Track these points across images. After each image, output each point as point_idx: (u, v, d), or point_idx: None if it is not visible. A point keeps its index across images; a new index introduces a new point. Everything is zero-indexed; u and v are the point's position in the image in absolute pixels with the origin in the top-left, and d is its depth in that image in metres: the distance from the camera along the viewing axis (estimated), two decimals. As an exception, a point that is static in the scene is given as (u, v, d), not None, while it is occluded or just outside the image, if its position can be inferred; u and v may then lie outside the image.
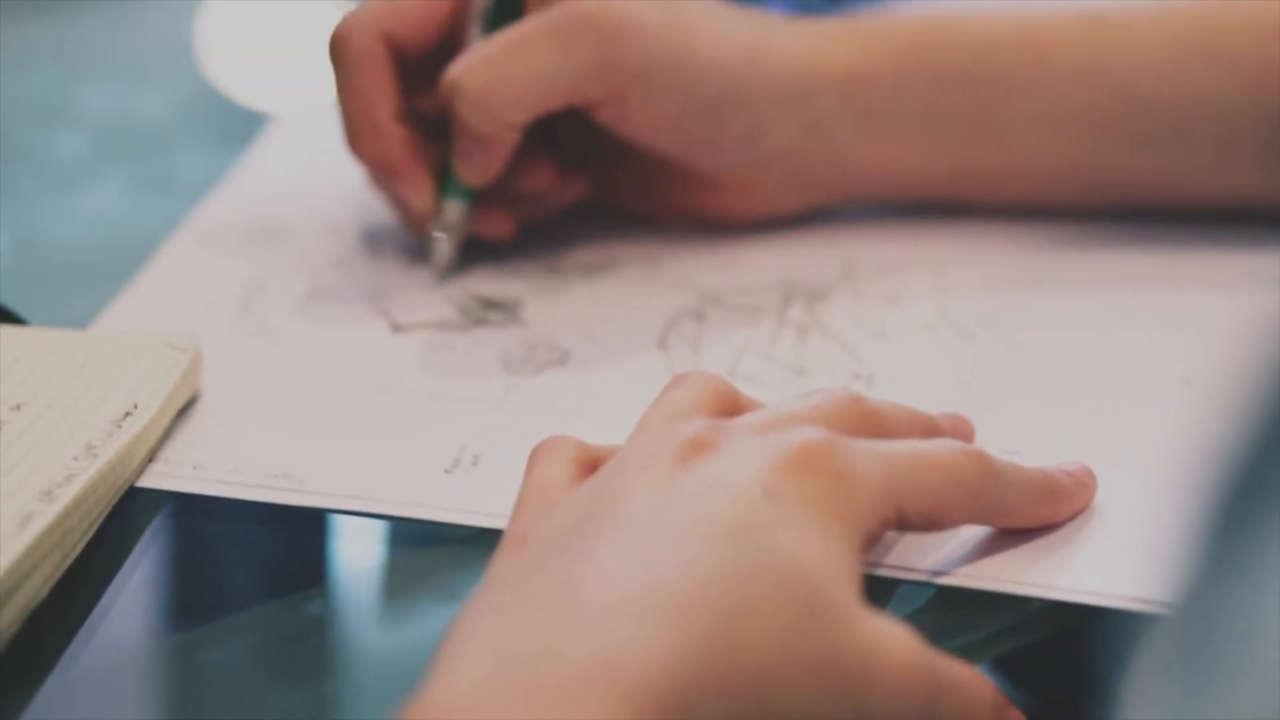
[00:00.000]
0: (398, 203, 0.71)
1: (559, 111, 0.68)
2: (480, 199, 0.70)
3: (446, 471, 0.60)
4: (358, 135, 0.70)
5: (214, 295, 0.70)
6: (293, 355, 0.66)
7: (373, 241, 0.73)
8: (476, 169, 0.68)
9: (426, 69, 0.70)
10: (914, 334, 0.67)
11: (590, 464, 0.54)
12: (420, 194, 0.70)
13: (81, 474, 0.57)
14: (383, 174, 0.70)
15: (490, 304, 0.69)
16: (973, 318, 0.68)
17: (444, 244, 0.70)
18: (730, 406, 0.55)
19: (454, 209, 0.70)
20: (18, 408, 0.60)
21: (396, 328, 0.68)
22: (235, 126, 0.86)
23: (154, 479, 0.60)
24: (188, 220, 0.74)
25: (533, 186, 0.71)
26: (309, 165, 0.78)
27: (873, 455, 0.51)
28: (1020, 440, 0.60)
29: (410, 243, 0.73)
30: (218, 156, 0.82)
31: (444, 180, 0.70)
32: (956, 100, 0.70)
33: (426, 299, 0.70)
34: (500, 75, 0.66)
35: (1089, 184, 0.72)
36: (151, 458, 0.61)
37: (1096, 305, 0.68)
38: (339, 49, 0.70)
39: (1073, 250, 0.71)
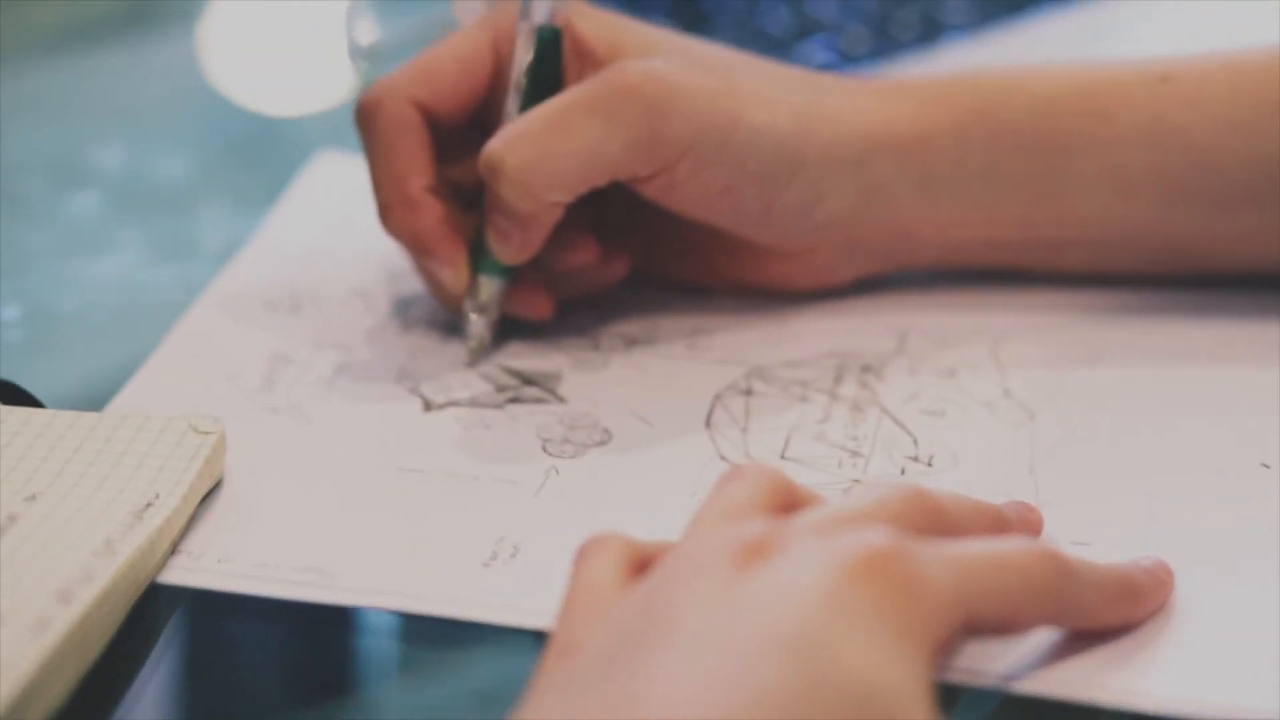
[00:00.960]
0: (430, 279, 0.67)
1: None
2: (517, 276, 0.67)
3: (485, 564, 0.57)
4: (390, 208, 0.66)
5: (237, 369, 0.67)
6: (320, 435, 0.63)
7: (402, 309, 0.70)
8: (514, 249, 0.65)
9: (459, 137, 0.67)
10: (974, 412, 0.64)
11: (640, 563, 0.51)
12: (454, 272, 0.66)
13: (100, 573, 0.54)
14: (416, 250, 0.67)
15: (526, 379, 0.66)
16: (1034, 394, 0.65)
17: (478, 325, 0.67)
18: (787, 502, 0.52)
19: (489, 287, 0.66)
20: (32, 498, 0.57)
21: (428, 405, 0.65)
22: (257, 185, 0.83)
23: (176, 573, 0.57)
24: (209, 288, 0.71)
25: (573, 265, 0.68)
26: (334, 226, 0.75)
27: (942, 559, 0.48)
28: (1090, 531, 0.57)
29: (441, 312, 0.70)
30: (239, 217, 0.79)
31: (478, 256, 0.66)
32: (1017, 163, 0.67)
33: (459, 374, 0.66)
34: (543, 153, 0.63)
35: (1155, 250, 0.68)
36: (173, 549, 0.58)
37: (1166, 380, 0.65)
38: (370, 116, 0.66)
39: (1138, 319, 0.68)
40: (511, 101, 0.66)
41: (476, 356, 0.67)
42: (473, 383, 0.66)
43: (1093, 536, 0.57)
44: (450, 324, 0.69)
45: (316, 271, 0.72)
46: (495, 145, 0.63)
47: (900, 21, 0.94)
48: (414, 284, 0.71)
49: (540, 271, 0.68)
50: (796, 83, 0.67)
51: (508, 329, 0.68)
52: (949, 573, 0.48)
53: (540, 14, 0.65)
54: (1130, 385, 0.65)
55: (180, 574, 0.57)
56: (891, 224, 0.68)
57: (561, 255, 0.67)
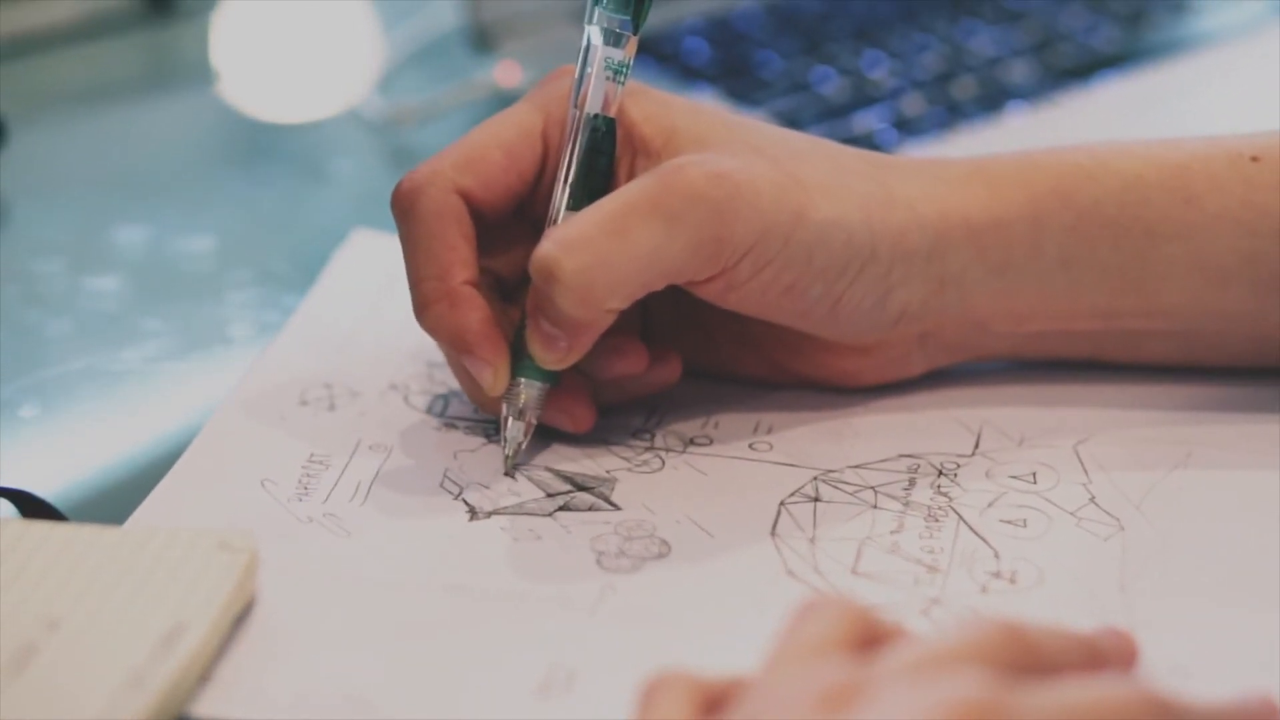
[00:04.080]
0: (467, 379, 0.63)
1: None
2: (559, 380, 0.63)
3: (536, 693, 0.53)
4: (428, 304, 0.62)
5: (269, 473, 0.63)
6: (359, 549, 0.59)
7: (442, 405, 0.66)
8: (560, 356, 0.61)
9: (502, 225, 0.63)
10: (1059, 522, 0.60)
11: (710, 702, 0.48)
12: (495, 374, 0.62)
13: (128, 709, 0.51)
14: (456, 348, 0.62)
15: (578, 484, 0.62)
16: (1123, 500, 0.61)
17: (515, 430, 0.62)
18: (868, 636, 0.48)
19: (529, 391, 0.62)
20: (54, 625, 0.54)
21: (474, 513, 0.61)
22: (287, 267, 0.80)
23: (207, 704, 0.53)
24: (239, 383, 0.67)
25: (621, 373, 0.64)
26: (369, 314, 0.72)
27: (1041, 711, 0.44)
28: (1189, 653, 0.54)
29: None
30: (269, 304, 0.76)
31: (519, 357, 0.62)
32: (1100, 250, 0.63)
33: (505, 479, 0.63)
34: (600, 259, 0.59)
35: (1245, 340, 0.64)
36: (203, 677, 0.54)
37: (1265, 482, 0.61)
38: (410, 203, 0.62)
39: (1231, 413, 0.64)
40: (560, 194, 0.62)
41: (513, 463, 0.63)
42: (520, 488, 0.62)
43: (1193, 663, 0.53)
44: (495, 422, 0.65)
45: (352, 364, 0.68)
46: (549, 249, 0.59)
47: (961, 89, 0.91)
48: (454, 377, 0.67)
49: (582, 377, 0.64)
50: (863, 168, 0.63)
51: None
52: None
53: (595, 102, 0.62)
54: (1226, 488, 0.61)
55: (211, 705, 0.53)
56: (966, 316, 0.64)
57: (608, 363, 0.63)
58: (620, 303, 0.60)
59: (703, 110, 0.63)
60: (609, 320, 0.60)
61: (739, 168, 0.60)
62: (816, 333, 0.63)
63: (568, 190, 0.62)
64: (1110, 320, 0.64)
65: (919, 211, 0.62)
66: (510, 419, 0.62)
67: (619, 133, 0.62)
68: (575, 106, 0.62)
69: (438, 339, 0.63)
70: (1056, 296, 0.64)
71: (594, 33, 0.62)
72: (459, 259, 0.62)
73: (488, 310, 0.62)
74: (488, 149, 0.63)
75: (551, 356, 0.61)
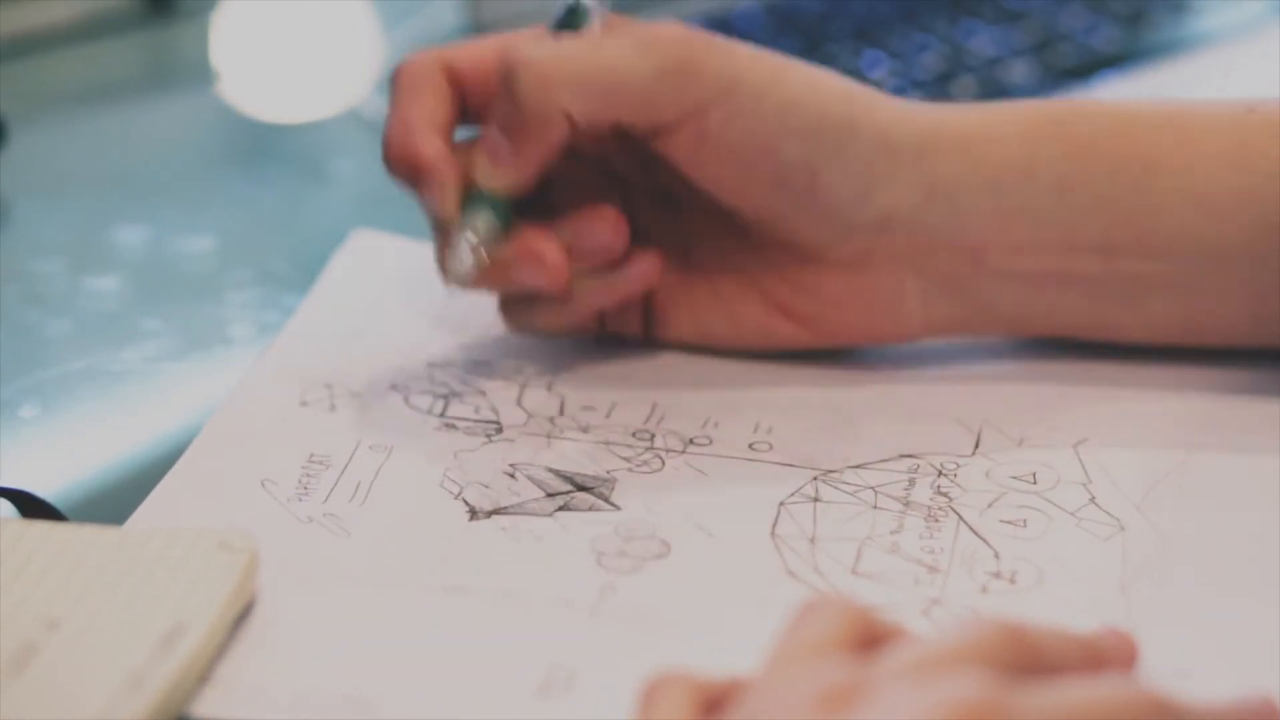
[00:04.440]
0: (426, 210, 0.64)
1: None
2: (510, 222, 0.63)
3: (536, 693, 0.53)
4: (389, 143, 0.63)
5: (270, 473, 0.63)
6: (359, 549, 0.59)
7: (443, 405, 0.66)
8: (504, 171, 0.62)
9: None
10: (1059, 522, 0.60)
11: (710, 702, 0.48)
12: (445, 194, 0.62)
13: (127, 710, 0.51)
14: (410, 178, 0.63)
15: (578, 484, 0.62)
16: (1123, 500, 0.61)
17: (465, 248, 0.62)
18: (869, 636, 0.48)
19: (483, 218, 0.63)
20: (54, 625, 0.54)
21: (474, 513, 0.61)
22: (287, 267, 0.80)
23: (207, 704, 0.53)
24: (239, 383, 0.67)
25: (600, 242, 0.64)
26: (370, 314, 0.72)
27: (1040, 712, 0.44)
28: (1189, 654, 0.54)
29: (485, 408, 0.66)
30: (269, 304, 0.76)
31: (471, 196, 0.63)
32: (1095, 179, 0.63)
33: (504, 478, 0.63)
34: (566, 56, 0.61)
35: (1245, 300, 0.63)
36: (203, 678, 0.54)
37: (1264, 484, 0.61)
38: (397, 75, 0.64)
39: (1232, 411, 0.64)
40: None
41: (460, 283, 0.63)
42: (520, 488, 0.62)
43: (1194, 663, 0.53)
44: (492, 419, 0.65)
45: (352, 365, 0.68)
46: (520, 44, 0.61)
47: (961, 89, 0.91)
48: (454, 377, 0.67)
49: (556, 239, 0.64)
50: (851, 81, 0.64)
51: (554, 420, 0.65)
52: None
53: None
54: (1226, 488, 0.61)
55: (211, 705, 0.53)
56: (959, 239, 0.63)
57: (587, 228, 0.64)
58: (578, 106, 0.61)
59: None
60: (559, 131, 0.61)
61: (717, 39, 0.62)
62: (799, 221, 0.63)
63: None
64: (1108, 259, 0.63)
65: (907, 116, 0.63)
66: (464, 236, 0.62)
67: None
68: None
69: (397, 177, 0.64)
70: (1052, 225, 0.63)
71: None
72: (425, 111, 0.63)
73: (443, 145, 0.63)
74: (486, 40, 0.65)
75: (496, 171, 0.62)
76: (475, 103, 0.65)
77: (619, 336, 0.68)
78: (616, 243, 0.64)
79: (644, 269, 0.65)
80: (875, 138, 0.62)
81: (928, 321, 0.65)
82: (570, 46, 0.62)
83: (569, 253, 0.64)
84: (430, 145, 0.63)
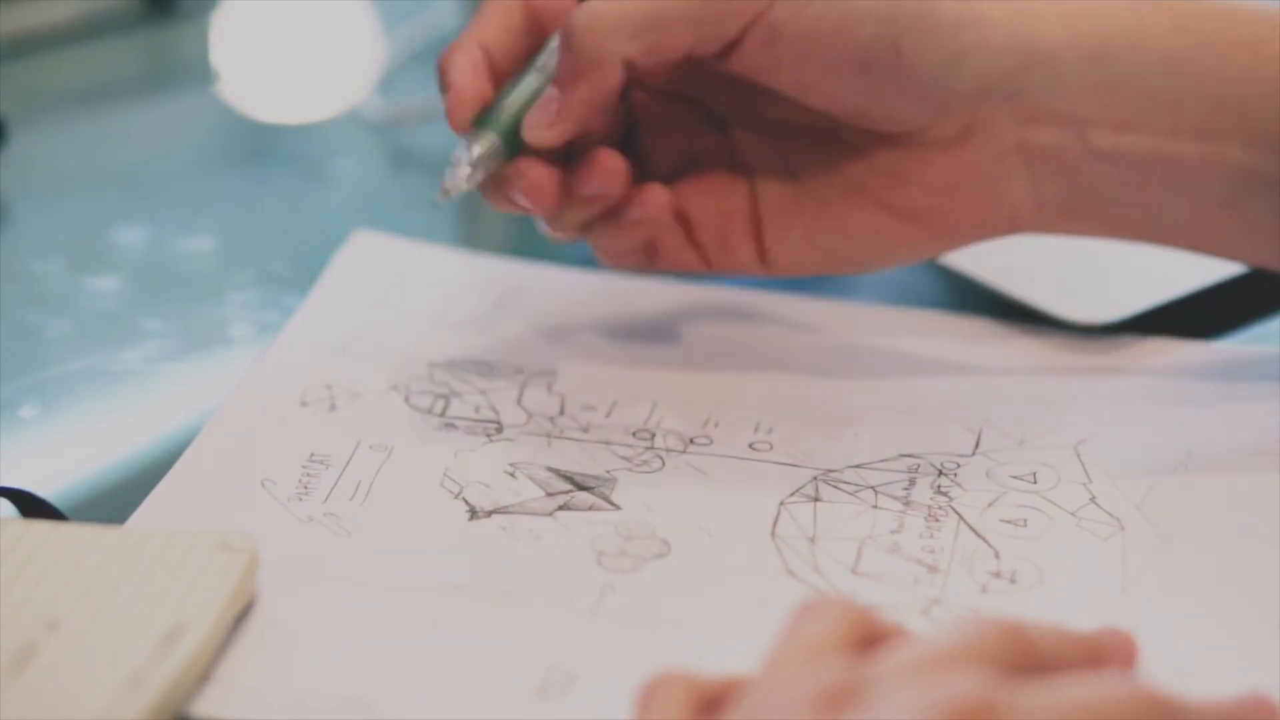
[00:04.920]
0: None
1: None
2: (517, 149, 0.62)
3: (535, 694, 0.53)
4: (443, 53, 0.64)
5: (270, 473, 0.63)
6: (359, 549, 0.59)
7: (443, 405, 0.66)
8: (549, 119, 0.61)
9: None
10: (1059, 522, 0.60)
11: (709, 702, 0.48)
12: (457, 109, 0.62)
13: (127, 710, 0.50)
14: (440, 83, 0.63)
15: (578, 484, 0.62)
16: (1123, 500, 0.61)
17: (460, 170, 0.62)
18: (868, 637, 0.48)
19: (486, 140, 0.62)
20: (54, 625, 0.54)
21: (474, 513, 0.61)
22: (287, 268, 0.80)
23: (206, 704, 0.53)
24: (239, 383, 0.67)
25: (588, 187, 0.63)
26: (370, 314, 0.72)
27: (1039, 708, 0.44)
28: (1189, 653, 0.54)
29: (485, 408, 0.66)
30: (269, 304, 0.76)
31: (486, 115, 0.63)
32: (1203, 55, 0.60)
33: (504, 477, 0.62)
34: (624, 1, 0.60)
35: None
36: (203, 676, 0.54)
37: (1264, 484, 0.61)
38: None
39: (1232, 409, 0.64)
40: None
41: (443, 198, 0.63)
42: (520, 488, 0.62)
43: (1194, 663, 0.53)
44: (493, 419, 0.65)
45: (353, 365, 0.68)
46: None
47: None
48: (455, 376, 0.67)
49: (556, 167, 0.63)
50: None
51: (554, 418, 0.65)
52: None
53: None
54: (1227, 488, 0.61)
55: (210, 705, 0.53)
56: (1062, 110, 0.61)
57: (585, 175, 0.63)
58: (636, 46, 0.60)
59: None
60: (612, 79, 0.60)
61: None
62: (893, 102, 0.61)
63: None
64: (1211, 144, 0.61)
65: None
66: (459, 157, 0.62)
67: None
68: None
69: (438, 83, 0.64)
70: (1157, 104, 0.61)
71: None
72: (483, 31, 0.63)
73: (480, 61, 0.63)
74: None
75: (540, 117, 0.61)
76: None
77: (734, 272, 0.66)
78: (611, 190, 0.63)
79: (645, 208, 0.64)
80: (957, 7, 0.60)
81: (1038, 206, 0.63)
82: None
83: (572, 195, 0.63)
84: (463, 59, 0.63)
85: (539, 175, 0.62)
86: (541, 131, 0.62)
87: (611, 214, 0.64)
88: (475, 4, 0.93)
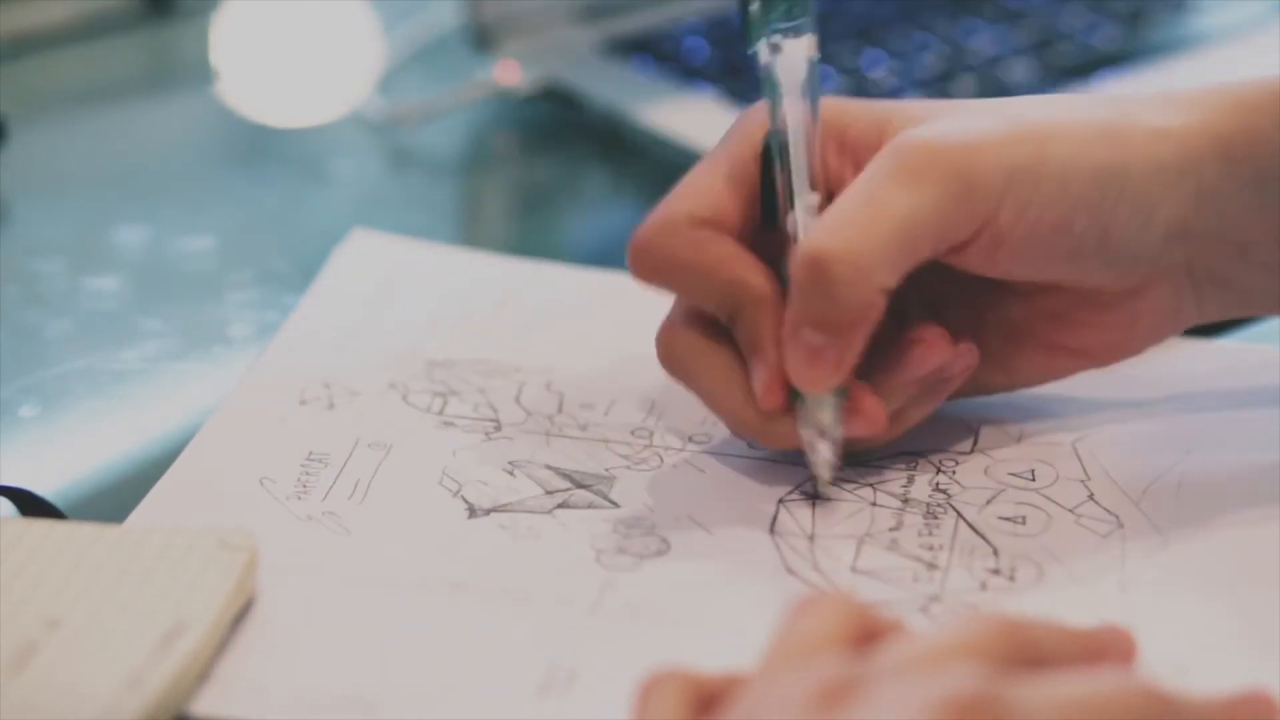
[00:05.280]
0: (732, 403, 0.61)
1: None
2: (847, 393, 0.60)
3: (538, 692, 0.53)
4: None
5: (269, 471, 0.63)
6: (358, 547, 0.59)
7: (441, 403, 0.66)
8: (828, 371, 0.59)
9: None
10: (1058, 519, 0.60)
11: (706, 699, 0.48)
12: (772, 384, 0.60)
13: (127, 710, 0.51)
14: (750, 350, 0.60)
15: (576, 481, 0.62)
16: (1122, 497, 0.61)
17: (826, 452, 0.60)
18: (866, 632, 0.49)
19: (824, 408, 0.59)
20: (54, 624, 0.54)
21: (473, 511, 0.61)
22: (287, 267, 0.80)
23: (206, 703, 0.53)
24: (238, 382, 0.67)
25: (931, 363, 0.61)
26: (368, 312, 0.71)
27: (1037, 704, 0.44)
28: (1188, 651, 0.54)
29: (482, 405, 0.66)
30: (269, 304, 0.76)
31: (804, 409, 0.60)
32: None
33: (503, 475, 0.63)
34: (863, 231, 0.57)
35: None
36: (203, 675, 0.54)
37: (1263, 481, 0.61)
38: (645, 250, 0.61)
39: (1227, 412, 0.64)
40: (792, 207, 0.60)
41: (829, 483, 0.61)
42: (519, 485, 0.62)
43: (1192, 660, 0.53)
44: (493, 420, 0.65)
45: (351, 363, 0.68)
46: (812, 239, 0.58)
47: (961, 88, 0.91)
48: (452, 375, 0.67)
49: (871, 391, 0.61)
50: (1091, 101, 0.62)
51: (553, 418, 0.65)
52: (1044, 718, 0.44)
53: (793, 119, 0.61)
54: (1225, 485, 0.61)
55: (211, 704, 0.53)
56: (1229, 237, 0.61)
57: (917, 357, 0.61)
58: (890, 276, 0.58)
59: (907, 103, 0.62)
60: (879, 307, 0.58)
61: (961, 128, 0.59)
62: (1090, 274, 0.61)
63: (798, 202, 0.60)
64: None
65: (1165, 132, 0.60)
66: (816, 441, 0.60)
67: (830, 144, 0.61)
68: (776, 129, 0.61)
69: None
70: None
71: (762, 50, 0.61)
72: (750, 270, 0.60)
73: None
74: (711, 180, 0.61)
75: (819, 372, 0.59)
76: (734, 233, 0.62)
77: None
78: (948, 358, 0.61)
79: (966, 361, 0.62)
80: (1145, 167, 0.60)
81: (1199, 315, 0.63)
82: (857, 216, 0.58)
83: (895, 385, 0.61)
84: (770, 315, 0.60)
85: (874, 406, 0.60)
86: (826, 383, 0.59)
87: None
88: (475, 4, 0.94)
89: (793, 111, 0.60)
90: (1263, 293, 0.63)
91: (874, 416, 0.60)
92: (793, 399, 0.59)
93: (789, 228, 0.60)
